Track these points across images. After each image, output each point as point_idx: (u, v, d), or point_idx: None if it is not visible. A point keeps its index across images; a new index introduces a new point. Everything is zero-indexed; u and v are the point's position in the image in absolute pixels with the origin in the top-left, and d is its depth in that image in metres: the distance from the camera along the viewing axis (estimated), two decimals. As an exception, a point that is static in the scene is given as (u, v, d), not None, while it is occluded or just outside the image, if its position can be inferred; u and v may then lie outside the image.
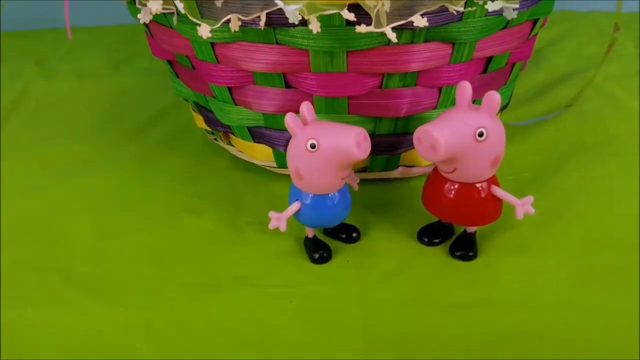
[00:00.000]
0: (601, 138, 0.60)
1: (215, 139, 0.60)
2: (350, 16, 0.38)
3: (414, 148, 0.47)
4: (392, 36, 0.39)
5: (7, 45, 0.91)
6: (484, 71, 0.49)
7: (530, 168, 0.55)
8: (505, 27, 0.46)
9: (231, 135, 0.56)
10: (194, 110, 0.59)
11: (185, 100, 0.58)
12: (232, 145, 0.57)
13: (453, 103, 0.48)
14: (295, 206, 0.44)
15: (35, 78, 0.78)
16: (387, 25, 0.39)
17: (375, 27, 0.38)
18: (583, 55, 0.78)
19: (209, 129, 0.58)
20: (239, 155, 0.57)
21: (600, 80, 0.69)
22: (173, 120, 0.67)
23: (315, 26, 0.39)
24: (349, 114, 0.47)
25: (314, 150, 0.41)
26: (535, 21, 0.49)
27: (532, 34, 0.50)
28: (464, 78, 0.46)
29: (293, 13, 0.36)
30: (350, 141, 0.40)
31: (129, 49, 0.88)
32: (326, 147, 0.40)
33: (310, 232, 0.46)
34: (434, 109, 0.48)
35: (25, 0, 0.97)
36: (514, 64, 0.52)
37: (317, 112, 0.47)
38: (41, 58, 0.84)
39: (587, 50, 0.80)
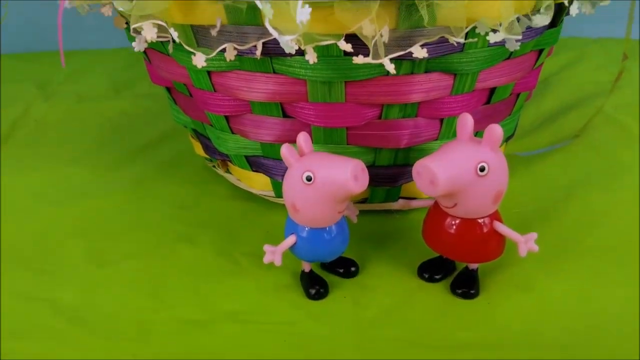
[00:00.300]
0: (609, 169, 0.58)
1: (214, 166, 0.59)
2: (348, 47, 0.37)
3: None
4: (391, 67, 0.38)
5: (9, 67, 0.91)
6: (488, 102, 0.47)
7: (535, 201, 0.54)
8: (508, 58, 0.45)
9: (229, 164, 0.55)
10: (192, 137, 0.58)
11: (184, 126, 0.57)
12: (231, 174, 0.56)
13: (455, 134, 0.47)
14: (290, 240, 0.42)
15: (35, 100, 0.78)
16: (386, 56, 0.38)
17: (373, 58, 0.37)
18: (591, 82, 0.77)
19: (207, 156, 0.57)
20: (237, 183, 0.56)
21: (609, 108, 0.68)
22: (173, 145, 0.67)
23: (312, 57, 0.38)
24: (348, 144, 0.46)
25: (310, 182, 0.39)
26: (541, 51, 0.48)
27: (538, 63, 0.49)
28: (466, 109, 0.45)
29: (288, 44, 0.35)
30: (347, 174, 0.39)
31: (130, 72, 0.88)
32: (322, 180, 0.39)
33: (307, 267, 0.45)
34: (436, 140, 0.47)
35: (28, 22, 0.97)
36: (518, 94, 0.50)
37: (315, 142, 0.46)
38: (42, 80, 0.84)
39: (596, 78, 0.78)
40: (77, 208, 0.56)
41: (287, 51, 0.36)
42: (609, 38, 0.93)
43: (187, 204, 0.56)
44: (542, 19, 0.40)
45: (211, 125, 0.50)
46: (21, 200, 0.58)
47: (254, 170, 0.52)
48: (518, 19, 0.40)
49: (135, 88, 0.83)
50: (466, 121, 0.40)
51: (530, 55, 0.47)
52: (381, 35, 0.37)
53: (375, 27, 0.37)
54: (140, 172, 0.61)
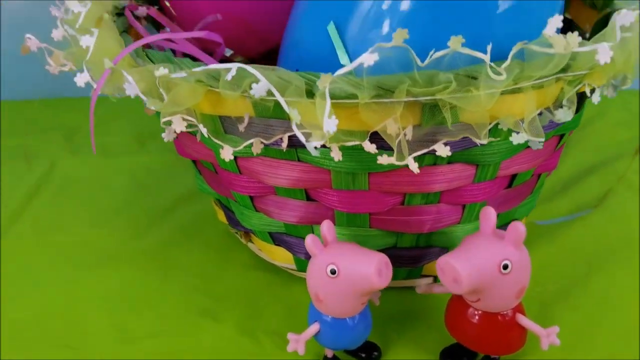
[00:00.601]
0: (630, 241, 0.58)
1: (236, 233, 0.59)
2: (372, 148, 0.38)
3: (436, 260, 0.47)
4: (414, 167, 0.38)
5: (37, 114, 0.93)
6: (509, 186, 0.48)
7: (556, 278, 0.53)
8: (530, 147, 0.45)
9: (252, 235, 0.55)
10: (216, 205, 0.59)
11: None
12: (253, 243, 0.57)
13: (477, 217, 0.47)
14: (314, 328, 0.43)
15: (62, 153, 0.79)
16: (409, 154, 0.38)
17: (398, 159, 0.38)
18: (612, 142, 0.76)
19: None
20: (259, 253, 0.56)
21: (630, 174, 0.68)
22: (195, 206, 0.67)
23: (337, 155, 0.39)
24: (370, 227, 0.47)
25: (334, 276, 0.40)
26: (562, 135, 0.48)
27: (559, 146, 0.50)
28: (488, 196, 0.46)
29: (314, 149, 0.36)
30: (372, 270, 0.39)
31: (155, 122, 0.89)
32: (347, 274, 0.40)
33: (329, 352, 0.45)
34: (458, 223, 0.47)
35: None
36: (540, 175, 0.51)
37: (338, 224, 0.47)
38: (69, 130, 0.85)
39: (616, 137, 0.78)
40: (101, 275, 0.57)
41: (313, 154, 0.37)
42: (629, 90, 0.92)
43: (210, 274, 0.57)
44: (564, 115, 0.41)
45: (235, 201, 0.51)
46: (45, 263, 0.59)
47: (276, 245, 0.52)
48: (540, 113, 0.41)
49: (160, 139, 0.84)
50: (489, 215, 0.41)
51: (551, 140, 0.47)
52: (405, 135, 0.38)
53: (399, 126, 0.38)
54: (163, 236, 0.62)
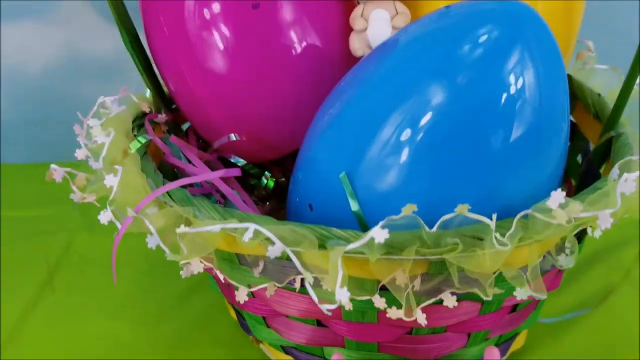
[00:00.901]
0: (633, 340, 0.60)
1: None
2: (382, 303, 0.40)
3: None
4: (422, 318, 0.40)
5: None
6: (513, 311, 0.49)
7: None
8: (534, 279, 0.47)
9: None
10: (229, 304, 0.61)
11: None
12: (263, 345, 0.58)
13: (483, 340, 0.49)
14: None
15: (79, 229, 0.81)
16: (417, 305, 0.40)
17: (406, 315, 0.39)
18: (614, 230, 0.77)
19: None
20: (270, 355, 0.58)
21: (634, 270, 0.69)
22: (208, 294, 0.69)
23: (347, 305, 0.41)
24: (378, 352, 0.49)
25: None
26: (565, 262, 0.50)
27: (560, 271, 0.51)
28: (493, 324, 0.48)
29: (326, 310, 0.38)
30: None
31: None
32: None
33: None
34: (464, 348, 0.49)
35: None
36: (543, 294, 0.52)
37: (348, 347, 0.49)
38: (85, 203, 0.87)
39: (620, 223, 0.79)
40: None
41: (325, 312, 0.39)
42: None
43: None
44: (567, 261, 0.43)
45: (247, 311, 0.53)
46: (61, 355, 0.61)
47: (286, 354, 0.54)
48: (543, 257, 0.42)
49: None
50: (494, 355, 0.42)
51: (554, 269, 0.49)
52: (413, 287, 0.40)
53: (407, 277, 0.40)
54: (176, 329, 0.64)
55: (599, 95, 0.58)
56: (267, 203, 0.61)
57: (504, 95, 0.40)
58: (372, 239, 0.36)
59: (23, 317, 0.66)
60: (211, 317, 0.66)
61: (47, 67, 0.93)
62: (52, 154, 0.98)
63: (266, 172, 0.61)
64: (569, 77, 0.62)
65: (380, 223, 0.36)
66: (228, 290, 0.53)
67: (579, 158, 0.60)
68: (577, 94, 0.60)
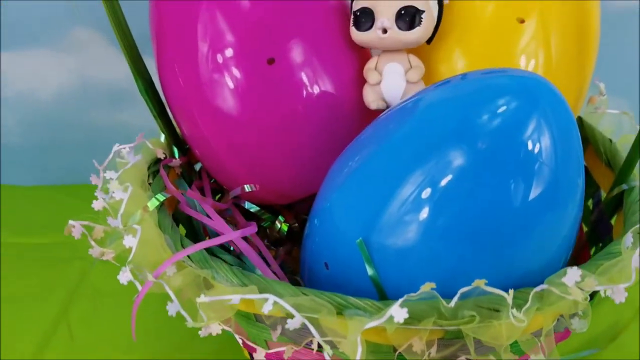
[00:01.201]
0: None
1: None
2: (398, 369, 0.41)
3: None
4: (439, 388, 0.41)
5: (60, 203, 0.95)
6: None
7: None
8: (546, 336, 0.47)
9: (277, 384, 0.58)
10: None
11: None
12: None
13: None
14: None
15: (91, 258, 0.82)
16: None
17: (423, 387, 0.40)
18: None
19: None
20: (283, 397, 0.59)
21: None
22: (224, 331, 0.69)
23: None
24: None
25: None
26: (577, 315, 0.51)
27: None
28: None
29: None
30: None
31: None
32: None
33: None
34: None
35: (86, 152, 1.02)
36: (555, 345, 0.53)
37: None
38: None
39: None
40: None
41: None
42: None
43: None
44: (580, 325, 0.43)
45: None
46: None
47: (301, 400, 0.55)
48: (557, 320, 0.43)
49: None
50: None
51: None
52: (429, 354, 0.41)
53: (424, 345, 0.40)
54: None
55: (611, 141, 0.58)
56: (280, 248, 0.62)
57: (522, 159, 0.41)
58: (392, 317, 0.36)
59: (39, 352, 0.67)
60: (225, 355, 0.67)
61: (58, 94, 0.94)
62: (62, 178, 1.00)
63: (280, 217, 0.62)
64: (581, 120, 0.62)
65: (400, 301, 0.37)
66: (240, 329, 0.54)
67: (590, 203, 0.61)
68: (588, 139, 0.60)
